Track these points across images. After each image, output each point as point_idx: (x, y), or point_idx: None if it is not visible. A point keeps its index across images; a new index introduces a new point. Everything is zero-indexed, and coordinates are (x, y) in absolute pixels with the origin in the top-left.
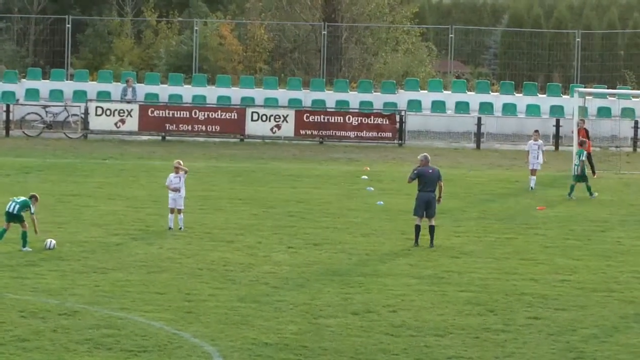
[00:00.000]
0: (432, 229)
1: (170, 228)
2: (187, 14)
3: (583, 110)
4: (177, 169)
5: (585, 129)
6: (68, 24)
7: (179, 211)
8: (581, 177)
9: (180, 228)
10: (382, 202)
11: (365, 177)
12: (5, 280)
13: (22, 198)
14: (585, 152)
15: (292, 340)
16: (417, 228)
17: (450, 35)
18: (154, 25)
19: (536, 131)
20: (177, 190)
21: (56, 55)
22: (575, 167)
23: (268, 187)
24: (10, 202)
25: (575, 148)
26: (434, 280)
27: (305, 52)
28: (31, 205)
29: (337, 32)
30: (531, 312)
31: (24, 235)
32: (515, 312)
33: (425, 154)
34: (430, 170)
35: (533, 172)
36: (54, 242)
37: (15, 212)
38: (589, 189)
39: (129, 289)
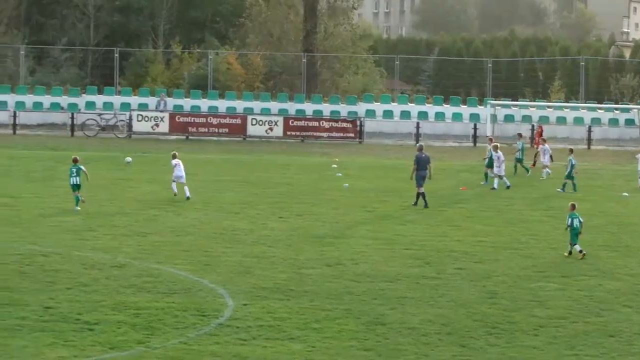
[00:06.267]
0: (424, 194)
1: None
2: (203, 47)
3: (494, 117)
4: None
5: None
6: (116, 54)
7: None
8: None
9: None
10: (347, 185)
11: (335, 165)
12: (71, 242)
13: (75, 169)
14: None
15: (282, 285)
16: (417, 195)
17: (396, 62)
18: (179, 55)
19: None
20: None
21: (107, 77)
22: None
23: (264, 173)
24: (72, 177)
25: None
26: (385, 241)
27: (290, 74)
28: (82, 167)
29: (313, 60)
30: (457, 264)
31: (77, 199)
32: (445, 265)
33: (420, 143)
34: (423, 155)
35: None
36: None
37: (78, 182)
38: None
39: (163, 247)
